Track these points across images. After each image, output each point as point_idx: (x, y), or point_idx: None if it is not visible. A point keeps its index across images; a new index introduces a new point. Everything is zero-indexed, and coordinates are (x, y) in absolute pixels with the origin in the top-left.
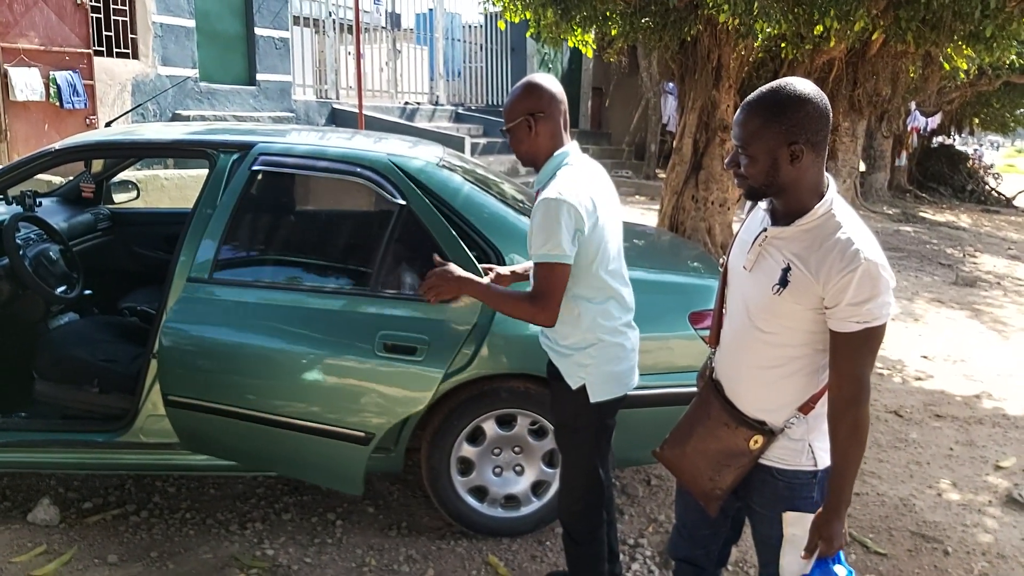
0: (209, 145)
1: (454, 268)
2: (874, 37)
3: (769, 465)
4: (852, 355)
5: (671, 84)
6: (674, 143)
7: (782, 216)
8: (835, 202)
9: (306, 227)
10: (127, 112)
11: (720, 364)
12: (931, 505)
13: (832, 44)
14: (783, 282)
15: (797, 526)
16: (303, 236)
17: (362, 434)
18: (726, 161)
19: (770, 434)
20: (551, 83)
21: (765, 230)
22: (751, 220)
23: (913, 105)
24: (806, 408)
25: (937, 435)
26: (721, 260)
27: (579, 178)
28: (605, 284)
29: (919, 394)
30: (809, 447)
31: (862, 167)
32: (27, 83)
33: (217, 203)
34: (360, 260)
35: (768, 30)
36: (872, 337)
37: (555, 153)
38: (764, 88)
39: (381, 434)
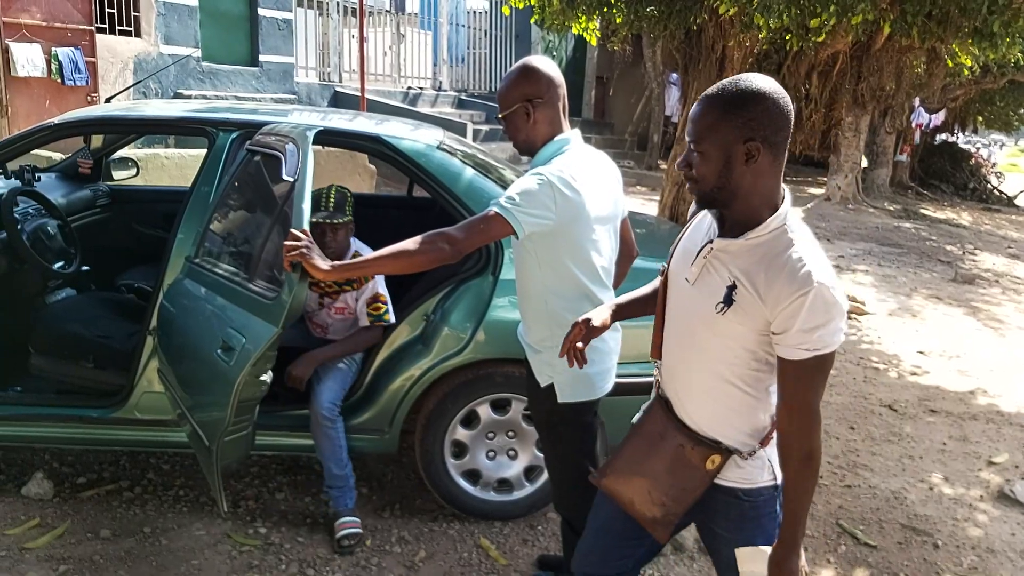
0: (208, 123)
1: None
2: (883, 30)
3: (732, 487)
4: (802, 384)
5: (675, 75)
6: (676, 134)
7: (731, 227)
8: (789, 216)
9: None
10: (128, 88)
11: (666, 380)
12: (923, 499)
13: (823, 39)
14: (727, 301)
15: (753, 563)
16: None
17: None
18: (677, 162)
19: (727, 453)
20: (548, 66)
21: (711, 241)
22: (695, 228)
23: (917, 101)
24: (766, 440)
25: (931, 430)
26: (661, 266)
27: (574, 165)
28: (578, 281)
29: (914, 389)
30: (768, 462)
31: (864, 162)
32: (29, 59)
33: (215, 182)
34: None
35: (769, 23)
36: (823, 365)
37: (554, 138)
38: (723, 82)
39: None
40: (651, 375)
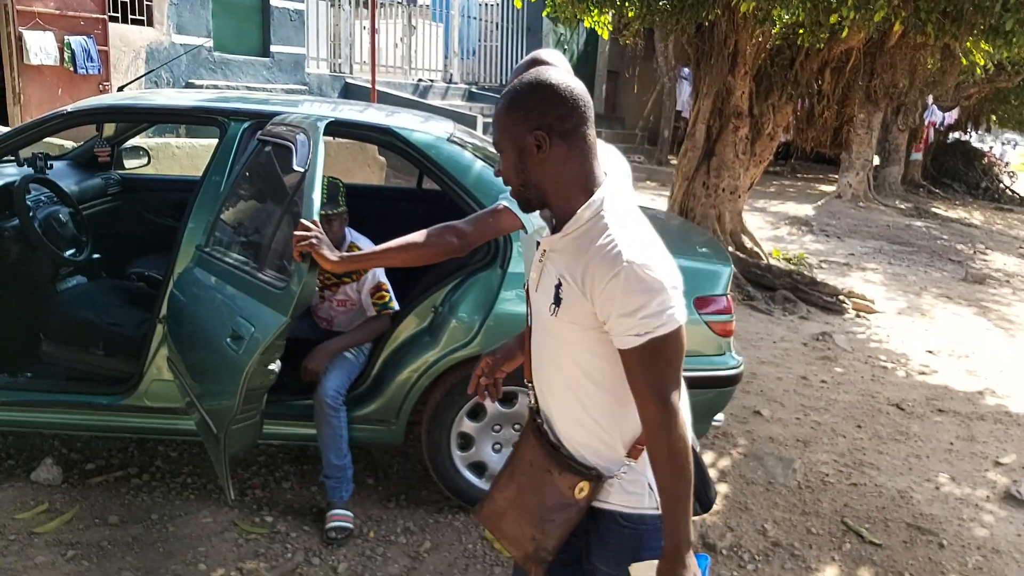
0: (220, 113)
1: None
2: (895, 28)
3: (612, 509)
4: (644, 373)
5: (687, 70)
6: (687, 129)
7: (557, 224)
8: (607, 201)
9: None
10: (140, 77)
11: (539, 400)
12: (929, 498)
13: (845, 34)
14: (556, 300)
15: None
16: None
17: None
18: (495, 170)
19: (597, 479)
20: (557, 59)
21: (539, 243)
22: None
23: (930, 99)
24: (635, 453)
25: (938, 429)
26: (524, 282)
27: None
28: None
29: (922, 388)
30: (649, 487)
31: (876, 160)
32: (41, 47)
33: (226, 172)
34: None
35: (786, 17)
36: (662, 348)
37: None
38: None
39: None
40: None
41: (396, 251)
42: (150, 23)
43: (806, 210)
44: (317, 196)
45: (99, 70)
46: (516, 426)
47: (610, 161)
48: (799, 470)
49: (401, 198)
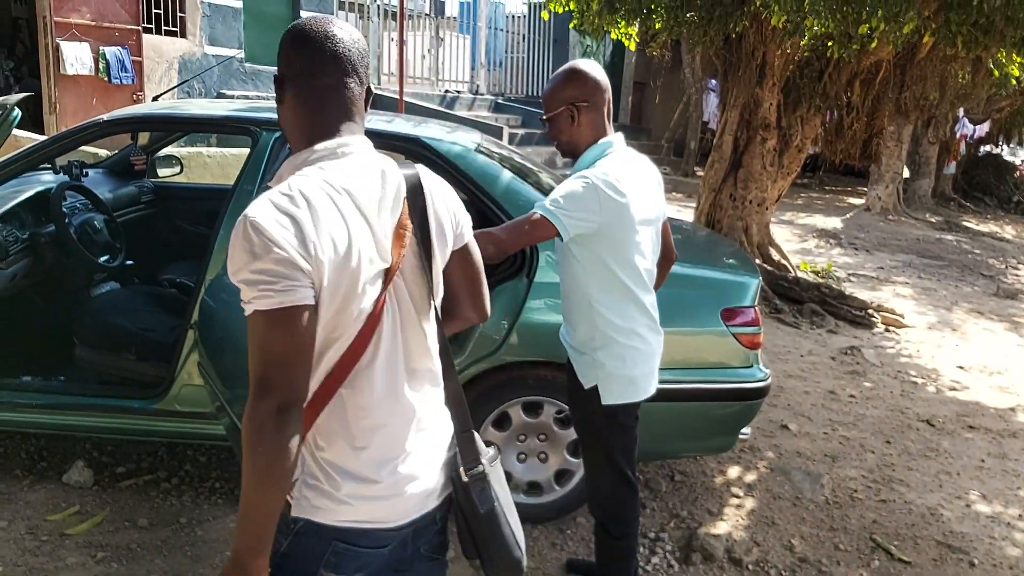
0: (252, 122)
1: None
2: (924, 40)
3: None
4: (248, 348)
5: (713, 81)
6: (714, 140)
7: None
8: (312, 159)
9: None
10: (174, 88)
11: None
12: (959, 516)
13: (874, 45)
14: None
15: None
16: None
17: None
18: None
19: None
20: (595, 70)
21: None
22: None
23: (961, 112)
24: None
25: (969, 446)
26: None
27: (619, 168)
28: (621, 283)
29: (952, 404)
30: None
31: (906, 173)
32: (77, 57)
33: (258, 180)
34: None
35: (816, 28)
36: (254, 326)
37: (600, 142)
38: None
39: None
40: (693, 381)
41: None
42: (183, 34)
43: (834, 223)
44: None
45: (133, 80)
46: (541, 436)
47: (644, 170)
48: (827, 485)
49: None
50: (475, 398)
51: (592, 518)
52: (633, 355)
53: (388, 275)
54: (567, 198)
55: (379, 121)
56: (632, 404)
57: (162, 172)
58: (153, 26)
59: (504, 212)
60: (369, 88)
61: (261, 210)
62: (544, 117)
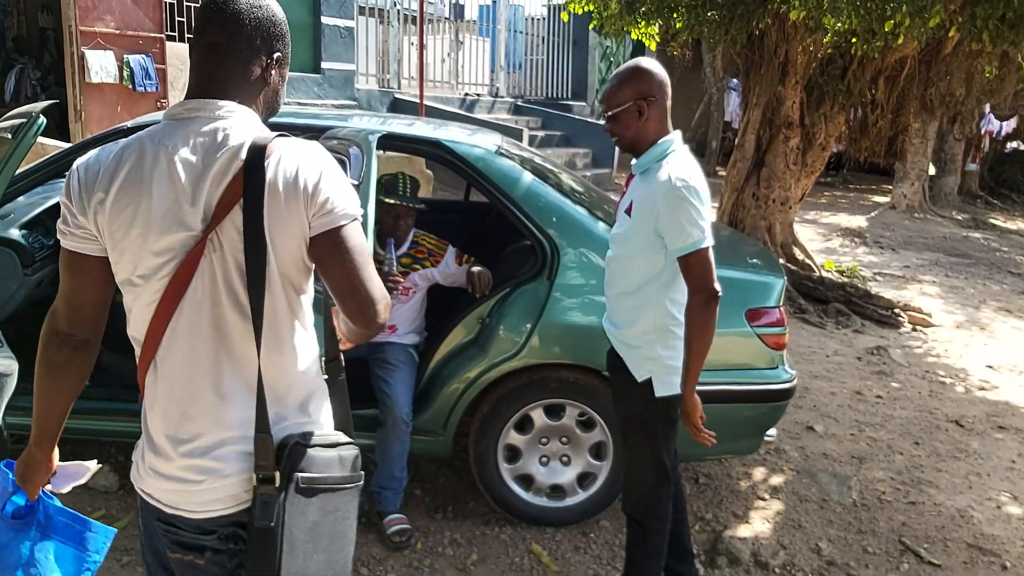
0: (273, 127)
1: None
2: (950, 34)
3: None
4: None
5: (735, 80)
6: (736, 139)
7: None
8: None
9: None
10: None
11: None
12: (990, 518)
13: (901, 41)
14: None
15: None
16: None
17: None
18: None
19: None
20: (659, 67)
21: None
22: None
23: (987, 108)
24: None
25: (999, 447)
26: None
27: (693, 172)
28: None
29: (982, 404)
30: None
31: (932, 170)
32: (102, 65)
33: None
34: None
35: (838, 25)
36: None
37: (662, 139)
38: None
39: None
40: (718, 382)
41: (701, 354)
42: None
43: (859, 221)
44: (371, 209)
45: (157, 87)
46: (564, 439)
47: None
48: (855, 487)
49: (449, 210)
50: (497, 401)
51: (612, 520)
52: (677, 344)
53: (197, 245)
54: (699, 216)
55: (399, 124)
56: (680, 396)
57: None
58: (176, 34)
59: (524, 215)
60: (279, 60)
61: (83, 158)
62: (609, 113)
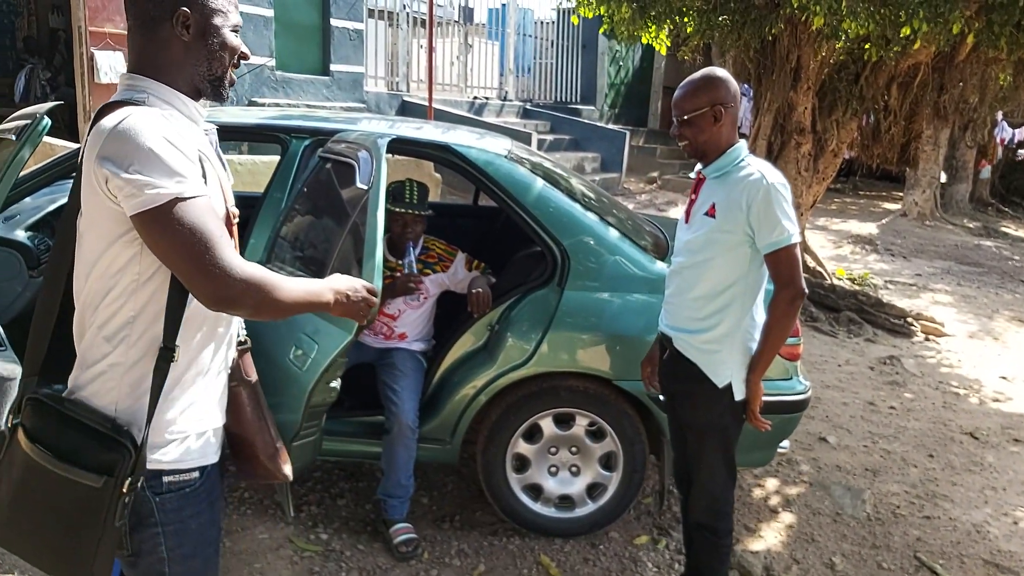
0: (282, 130)
1: None
2: (968, 41)
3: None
4: None
5: (746, 86)
6: (747, 146)
7: None
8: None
9: None
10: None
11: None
12: (1007, 533)
13: (917, 47)
14: None
15: None
16: None
17: None
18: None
19: None
20: (731, 77)
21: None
22: None
23: (1000, 115)
24: None
25: (1015, 460)
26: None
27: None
28: (764, 278)
29: (996, 416)
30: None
31: (943, 178)
32: (111, 66)
33: (288, 188)
34: None
35: (855, 30)
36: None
37: (735, 145)
38: None
39: None
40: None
41: (773, 348)
42: None
43: (870, 228)
44: (381, 214)
45: None
46: (573, 449)
47: None
48: (868, 501)
49: (457, 214)
50: (504, 410)
51: (622, 531)
52: (755, 348)
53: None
54: (792, 212)
55: (408, 128)
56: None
57: None
58: None
59: (534, 220)
60: (184, 16)
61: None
62: (685, 117)
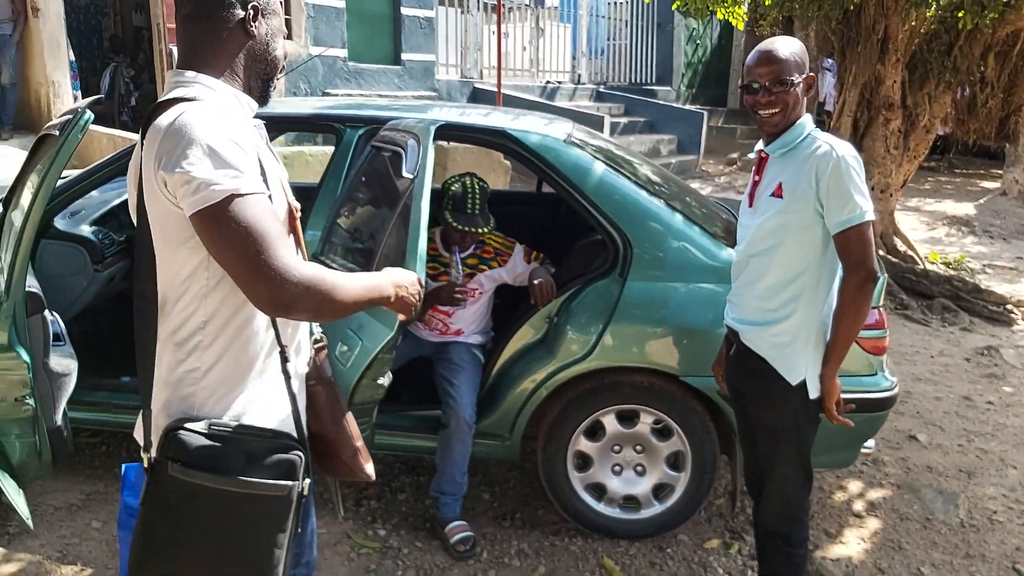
0: (336, 119)
1: None
2: None
3: None
4: None
5: (829, 60)
6: (831, 123)
7: None
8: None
9: None
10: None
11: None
12: None
13: (1018, 13)
14: None
15: None
16: None
17: None
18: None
19: None
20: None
21: None
22: None
23: None
24: None
25: None
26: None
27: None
28: (837, 263)
29: None
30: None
31: None
32: None
33: (343, 177)
34: None
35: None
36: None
37: (801, 119)
38: None
39: None
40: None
41: (847, 336)
42: (289, 36)
43: (966, 209)
44: (426, 204)
45: None
46: (638, 447)
47: None
48: (962, 505)
49: (520, 202)
50: (564, 406)
51: (691, 535)
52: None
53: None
54: (863, 184)
55: (475, 115)
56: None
57: None
58: None
59: (596, 207)
60: (257, 10)
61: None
62: (792, 79)
